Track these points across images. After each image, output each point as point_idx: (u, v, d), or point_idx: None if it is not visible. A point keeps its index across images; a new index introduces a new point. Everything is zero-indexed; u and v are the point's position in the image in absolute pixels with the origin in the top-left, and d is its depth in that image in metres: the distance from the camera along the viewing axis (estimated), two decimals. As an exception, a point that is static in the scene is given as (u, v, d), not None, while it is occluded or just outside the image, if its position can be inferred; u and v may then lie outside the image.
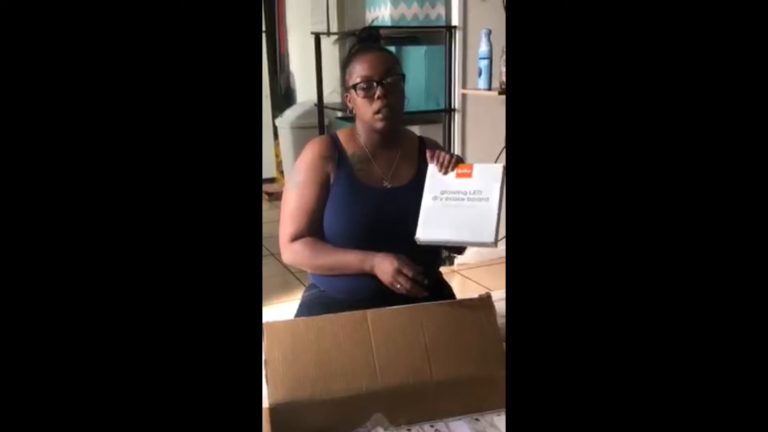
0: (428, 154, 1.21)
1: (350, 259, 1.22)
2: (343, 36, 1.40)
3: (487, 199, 1.15)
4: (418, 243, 1.17)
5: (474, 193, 1.16)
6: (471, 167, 1.19)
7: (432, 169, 1.21)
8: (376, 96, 1.21)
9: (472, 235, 1.15)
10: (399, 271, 1.16)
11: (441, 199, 1.18)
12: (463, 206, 1.17)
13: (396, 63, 1.26)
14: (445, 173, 1.19)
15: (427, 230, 1.17)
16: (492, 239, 1.12)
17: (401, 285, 1.16)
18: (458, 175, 1.19)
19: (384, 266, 1.18)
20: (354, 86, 1.23)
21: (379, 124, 1.24)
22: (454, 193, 1.18)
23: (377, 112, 1.22)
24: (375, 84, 1.21)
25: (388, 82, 1.21)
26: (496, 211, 1.13)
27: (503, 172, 1.15)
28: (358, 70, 1.22)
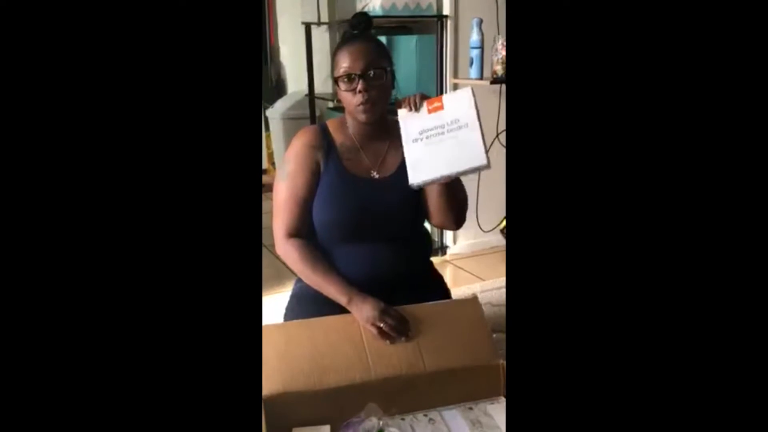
0: (396, 106, 1.20)
1: (332, 290, 1.22)
2: (334, 24, 1.37)
3: (467, 124, 1.13)
4: (413, 188, 1.15)
5: (452, 123, 1.14)
6: (441, 99, 1.16)
7: (403, 114, 1.18)
8: (357, 90, 1.20)
9: (464, 163, 1.12)
10: (380, 319, 1.14)
11: (422, 140, 1.16)
12: (446, 139, 1.14)
13: (381, 54, 1.24)
14: (417, 111, 1.17)
15: (419, 173, 1.15)
16: (485, 161, 1.10)
17: (378, 331, 1.14)
18: (431, 111, 1.17)
19: (365, 309, 1.16)
20: (337, 79, 1.22)
21: (362, 117, 1.23)
22: (431, 129, 1.15)
23: (359, 105, 1.21)
24: (356, 77, 1.20)
25: (370, 75, 1.20)
26: (479, 134, 1.11)
27: (473, 95, 1.14)
28: (341, 63, 1.21)
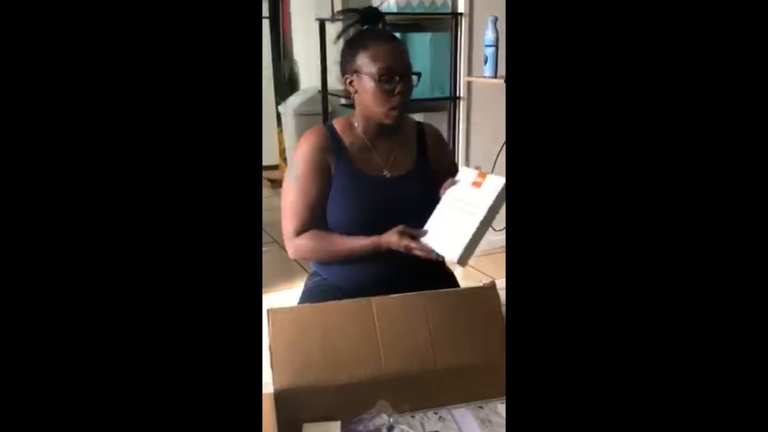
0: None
1: (363, 243, 1.21)
2: (343, 14, 1.34)
3: (475, 213, 1.09)
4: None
5: (472, 204, 1.11)
6: (485, 176, 1.14)
7: (461, 176, 1.18)
8: (396, 91, 1.18)
9: (441, 247, 1.11)
10: (404, 235, 1.16)
11: (448, 205, 1.16)
12: (456, 214, 1.13)
13: (409, 57, 1.23)
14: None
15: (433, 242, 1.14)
16: (456, 257, 1.08)
17: (414, 247, 1.15)
18: (472, 184, 1.15)
19: (393, 240, 1.17)
20: (378, 78, 1.18)
21: (390, 120, 1.21)
22: (460, 200, 1.14)
23: (393, 108, 1.19)
24: (397, 79, 1.18)
25: (409, 78, 1.19)
26: (473, 229, 1.08)
27: (503, 187, 1.09)
28: (378, 61, 1.17)
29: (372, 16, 1.28)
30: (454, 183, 1.18)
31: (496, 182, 1.11)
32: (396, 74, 1.18)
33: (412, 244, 1.15)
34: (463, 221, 1.10)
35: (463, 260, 1.08)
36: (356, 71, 1.21)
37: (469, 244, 1.07)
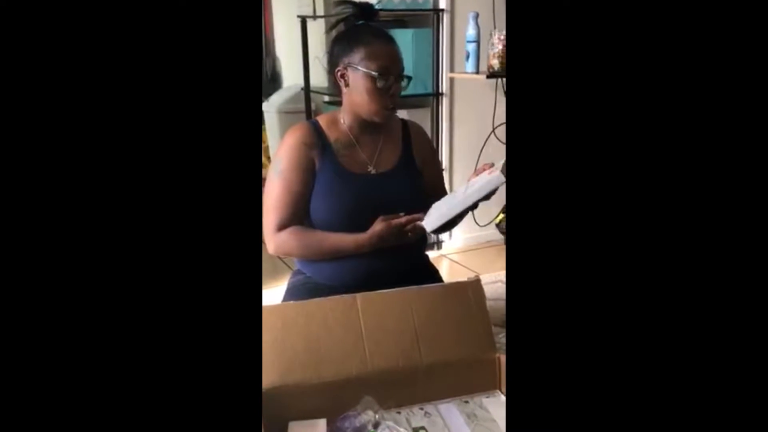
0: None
1: (347, 242, 1.21)
2: (339, 5, 1.33)
3: (455, 195, 1.15)
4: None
5: (465, 189, 1.14)
6: (489, 167, 1.16)
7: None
8: (391, 91, 1.19)
9: (428, 216, 1.17)
10: (391, 224, 1.18)
11: (463, 187, 1.18)
12: (455, 195, 1.16)
13: None
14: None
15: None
16: (428, 227, 1.16)
17: (403, 222, 1.18)
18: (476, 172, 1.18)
19: (381, 228, 1.19)
20: (377, 75, 1.18)
21: (381, 118, 1.22)
22: (467, 184, 1.16)
23: (386, 107, 1.20)
24: (393, 79, 1.19)
25: (401, 79, 1.21)
26: (451, 208, 1.13)
27: (491, 180, 1.10)
28: (377, 59, 1.18)
29: (368, 12, 1.27)
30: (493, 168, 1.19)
31: (492, 178, 1.12)
32: (392, 74, 1.19)
33: (402, 220, 1.17)
34: (449, 200, 1.17)
35: (432, 229, 1.17)
36: (351, 65, 1.21)
37: (446, 223, 1.16)
